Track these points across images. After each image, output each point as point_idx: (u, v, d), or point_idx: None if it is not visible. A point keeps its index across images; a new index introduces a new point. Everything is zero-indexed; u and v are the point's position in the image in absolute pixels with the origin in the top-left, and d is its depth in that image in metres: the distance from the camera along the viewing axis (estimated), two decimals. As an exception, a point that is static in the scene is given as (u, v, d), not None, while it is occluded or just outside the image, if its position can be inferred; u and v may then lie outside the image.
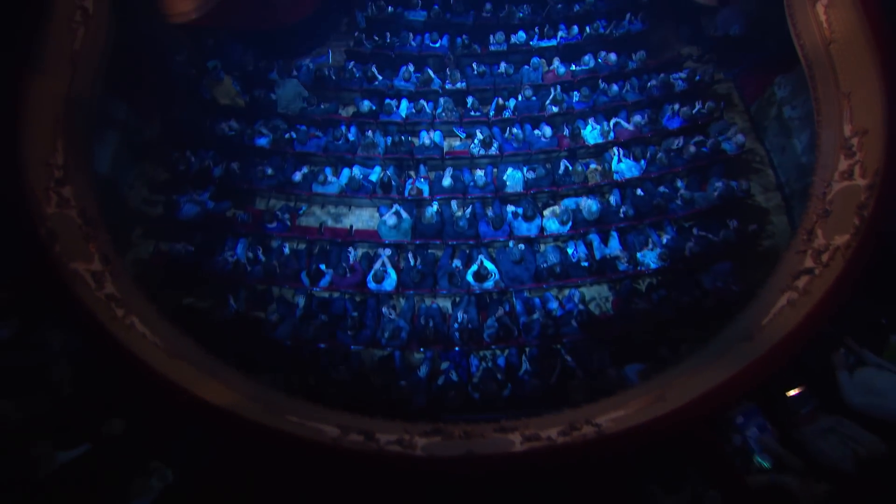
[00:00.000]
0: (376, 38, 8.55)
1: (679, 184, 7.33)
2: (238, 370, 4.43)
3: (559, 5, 8.96)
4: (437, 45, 8.37)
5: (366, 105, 7.62)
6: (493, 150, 7.15)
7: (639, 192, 7.25)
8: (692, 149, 7.15)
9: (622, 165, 7.26)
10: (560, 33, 8.70)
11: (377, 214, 7.33)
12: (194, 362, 4.20)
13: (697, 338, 6.14)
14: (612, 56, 8.23)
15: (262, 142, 7.44)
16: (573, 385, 5.62)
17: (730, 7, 8.59)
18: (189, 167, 7.25)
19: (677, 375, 4.16)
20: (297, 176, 6.97)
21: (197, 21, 8.66)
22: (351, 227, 7.07)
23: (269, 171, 7.14)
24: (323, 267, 6.47)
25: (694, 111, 7.60)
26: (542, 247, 7.08)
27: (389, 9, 8.82)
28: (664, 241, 6.93)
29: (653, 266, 6.54)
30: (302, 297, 6.57)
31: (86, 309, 4.15)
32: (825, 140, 4.97)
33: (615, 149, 7.46)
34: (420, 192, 6.82)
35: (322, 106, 8.00)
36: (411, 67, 8.22)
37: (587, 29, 8.72)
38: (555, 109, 7.74)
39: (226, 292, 6.58)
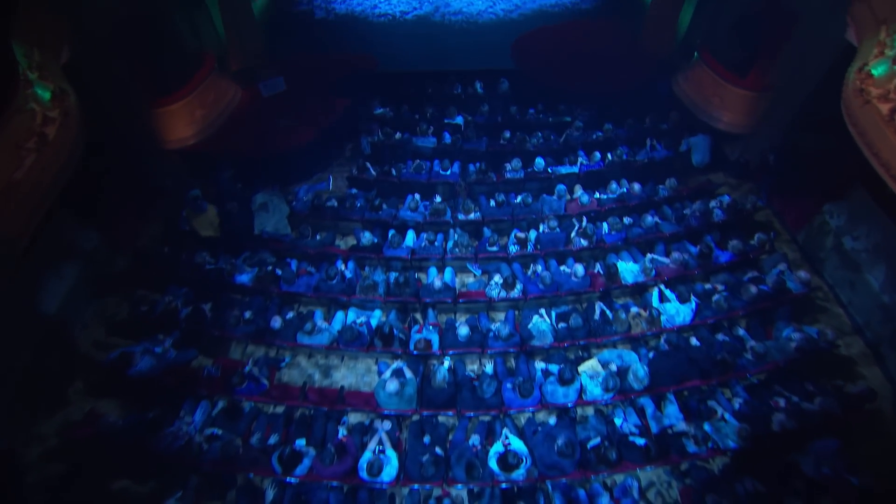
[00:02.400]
0: (382, 165, 7.88)
1: (740, 331, 6.06)
2: None
3: (576, 133, 8.46)
4: (448, 172, 7.67)
5: (367, 237, 6.65)
6: (516, 293, 5.99)
7: (693, 341, 5.95)
8: (752, 289, 5.98)
9: (670, 308, 6.05)
10: (580, 160, 8.06)
11: (375, 367, 5.98)
12: None
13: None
14: (636, 186, 7.44)
15: (244, 279, 6.34)
16: None
17: (702, 136, 8.16)
18: (154, 308, 6.06)
19: None
20: (277, 323, 5.72)
21: (194, 147, 8.16)
22: (342, 388, 5.66)
23: (248, 314, 5.94)
24: (302, 445, 4.97)
25: (743, 243, 6.60)
26: (581, 411, 5.61)
27: (397, 135, 8.30)
28: (735, 406, 5.48)
29: (732, 446, 5.01)
30: (272, 487, 4.95)
31: None
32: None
33: (657, 288, 6.34)
34: (428, 344, 5.52)
35: (318, 237, 7.05)
36: (419, 196, 7.44)
37: (609, 156, 8.09)
38: (583, 243, 6.74)
39: (172, 477, 5.02)
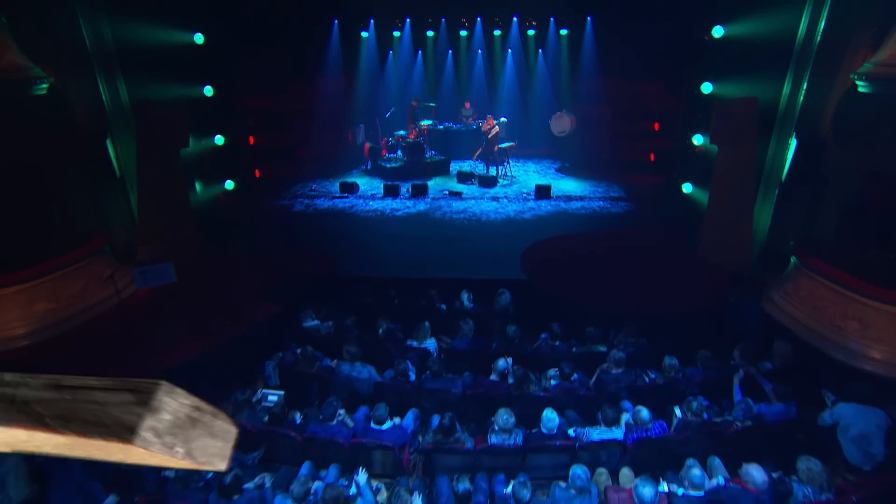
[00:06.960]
0: (285, 409, 4.68)
1: None
2: None
3: (615, 371, 5.16)
4: (387, 427, 4.30)
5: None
6: None
7: None
8: None
9: None
10: (625, 417, 4.59)
11: None
12: None
13: None
14: (753, 471, 3.75)
15: None
16: None
17: (864, 409, 4.40)
18: None
19: None
20: None
21: (17, 356, 5.46)
22: None
23: None
24: None
25: None
26: None
27: (326, 362, 5.28)
28: None
29: None
30: None
31: None
32: None
33: None
34: None
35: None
36: (334, 471, 4.02)
37: (678, 412, 4.60)
38: None
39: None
